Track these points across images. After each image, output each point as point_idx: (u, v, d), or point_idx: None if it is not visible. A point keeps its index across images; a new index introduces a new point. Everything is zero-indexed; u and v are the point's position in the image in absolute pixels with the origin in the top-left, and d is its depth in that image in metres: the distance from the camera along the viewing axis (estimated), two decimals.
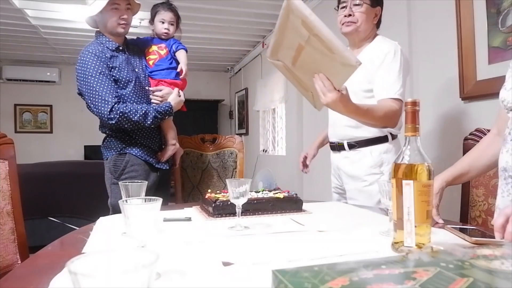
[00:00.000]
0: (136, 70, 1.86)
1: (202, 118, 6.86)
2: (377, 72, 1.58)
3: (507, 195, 1.04)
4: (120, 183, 1.11)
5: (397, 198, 0.81)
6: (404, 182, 0.79)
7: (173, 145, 1.92)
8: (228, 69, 7.54)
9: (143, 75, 1.89)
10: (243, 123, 6.80)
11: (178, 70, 1.94)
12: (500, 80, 1.12)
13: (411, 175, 0.79)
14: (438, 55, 2.33)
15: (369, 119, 1.51)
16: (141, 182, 1.12)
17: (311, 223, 1.17)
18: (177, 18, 2.01)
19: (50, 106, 6.66)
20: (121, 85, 1.77)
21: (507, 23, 1.82)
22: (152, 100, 1.88)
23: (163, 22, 1.95)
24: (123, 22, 1.78)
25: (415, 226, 0.78)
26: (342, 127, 1.70)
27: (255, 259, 0.81)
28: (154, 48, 1.97)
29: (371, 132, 1.62)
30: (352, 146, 1.68)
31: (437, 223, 1.10)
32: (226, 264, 0.77)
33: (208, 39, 5.39)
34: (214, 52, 6.19)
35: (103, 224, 1.21)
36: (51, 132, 6.69)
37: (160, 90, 1.89)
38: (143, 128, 1.81)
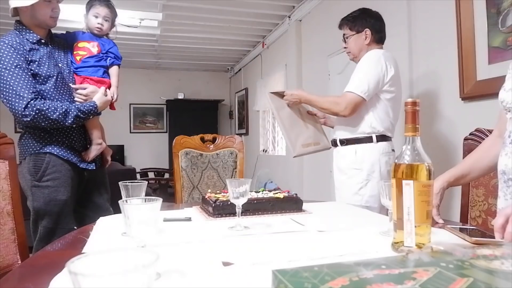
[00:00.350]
0: (60, 65, 1.75)
1: (202, 118, 6.85)
2: None
3: (510, 197, 1.03)
4: (120, 183, 1.10)
5: (397, 198, 0.81)
6: (404, 182, 0.79)
7: (98, 144, 1.83)
8: (228, 69, 7.54)
9: (67, 71, 1.78)
10: (243, 123, 6.80)
11: (109, 97, 1.83)
12: (500, 80, 1.11)
13: (411, 175, 0.79)
14: (438, 55, 2.33)
15: (320, 104, 1.94)
16: (141, 182, 1.12)
17: (311, 223, 1.16)
18: (114, 15, 1.91)
19: None
20: (40, 80, 1.65)
21: (507, 23, 1.83)
22: (75, 98, 1.77)
23: (96, 17, 1.86)
24: (56, 15, 1.70)
25: (415, 226, 0.78)
26: (337, 127, 2.02)
27: (255, 259, 0.81)
28: (84, 44, 1.87)
29: (356, 133, 1.90)
30: (342, 142, 1.96)
31: (437, 223, 1.10)
32: (226, 264, 0.77)
33: (208, 39, 5.39)
34: (214, 52, 6.19)
35: (103, 224, 1.21)
36: None
37: (84, 88, 1.78)
38: (63, 127, 1.71)
